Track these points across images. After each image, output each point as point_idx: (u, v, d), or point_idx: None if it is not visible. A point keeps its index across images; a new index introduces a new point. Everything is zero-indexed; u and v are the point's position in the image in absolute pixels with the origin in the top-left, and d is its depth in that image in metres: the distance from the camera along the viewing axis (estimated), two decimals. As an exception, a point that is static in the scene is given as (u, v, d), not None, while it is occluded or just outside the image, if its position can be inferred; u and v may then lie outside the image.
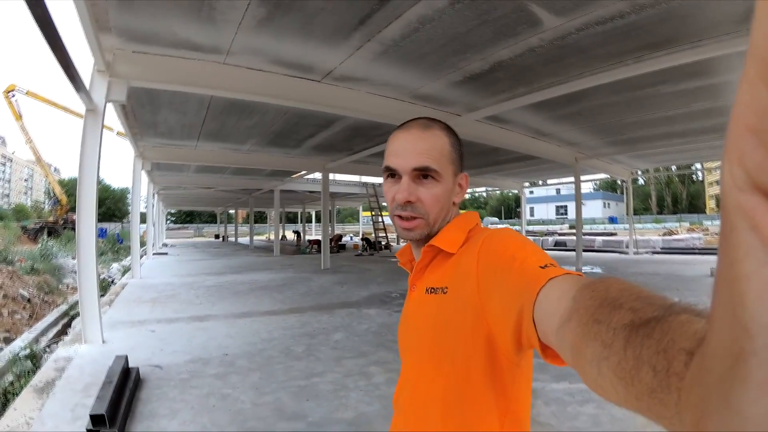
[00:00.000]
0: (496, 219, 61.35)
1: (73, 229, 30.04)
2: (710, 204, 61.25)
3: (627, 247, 18.27)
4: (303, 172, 15.75)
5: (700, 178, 63.23)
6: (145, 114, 7.86)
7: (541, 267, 0.63)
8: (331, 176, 16.17)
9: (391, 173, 0.90)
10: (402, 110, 7.19)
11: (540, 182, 24.01)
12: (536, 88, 6.49)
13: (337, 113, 7.11)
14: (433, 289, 0.85)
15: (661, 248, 19.13)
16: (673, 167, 25.95)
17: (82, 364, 4.19)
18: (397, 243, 28.35)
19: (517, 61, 5.47)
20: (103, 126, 4.89)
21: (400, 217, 0.89)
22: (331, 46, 5.02)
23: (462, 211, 0.97)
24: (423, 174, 0.87)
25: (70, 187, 48.06)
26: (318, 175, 16.28)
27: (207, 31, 4.61)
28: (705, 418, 0.22)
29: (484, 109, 7.46)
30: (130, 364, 3.92)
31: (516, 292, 0.64)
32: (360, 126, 8.93)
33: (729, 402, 0.20)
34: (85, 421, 2.86)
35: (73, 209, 35.73)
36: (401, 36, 4.78)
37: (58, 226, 32.64)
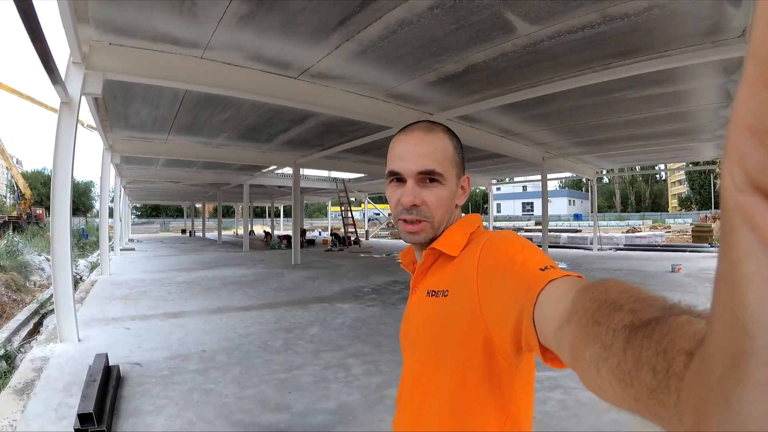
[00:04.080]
0: (462, 214, 61.90)
1: (38, 224, 28.72)
2: (672, 203, 63.65)
3: (591, 243, 18.80)
4: (273, 167, 15.66)
5: (663, 178, 65.57)
6: (117, 106, 7.68)
7: (541, 269, 0.63)
8: (301, 171, 16.11)
9: (395, 177, 0.90)
10: (376, 108, 7.30)
11: (507, 180, 24.42)
12: (508, 90, 6.69)
13: (312, 110, 7.14)
14: (434, 292, 0.86)
15: (624, 245, 19.70)
16: (638, 167, 26.83)
17: (60, 364, 4.15)
18: (366, 239, 28.44)
19: (491, 64, 5.64)
20: (78, 119, 4.81)
21: (404, 221, 0.89)
22: (311, 44, 5.07)
23: (464, 214, 0.98)
24: (428, 177, 0.87)
25: (34, 181, 46.00)
26: (287, 170, 16.16)
27: (187, 26, 4.58)
28: (705, 419, 0.22)
29: (456, 108, 7.63)
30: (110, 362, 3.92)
31: (516, 295, 0.64)
32: (333, 122, 8.97)
33: (729, 402, 0.20)
34: (71, 421, 2.87)
35: (36, 203, 34.24)
36: (380, 37, 4.87)
37: (22, 220, 31.09)
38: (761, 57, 0.18)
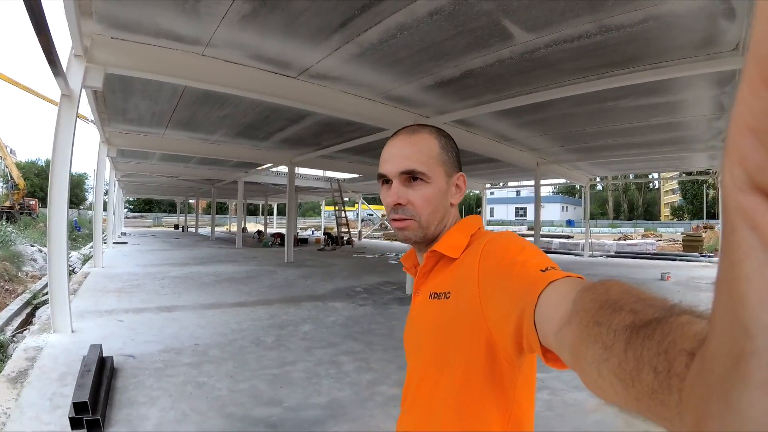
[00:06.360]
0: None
1: (30, 214, 28.39)
2: (665, 212, 64.06)
3: (583, 249, 18.89)
4: (269, 165, 15.70)
5: (657, 187, 65.98)
6: (116, 100, 7.70)
7: (542, 270, 0.64)
8: (297, 170, 16.12)
9: (384, 179, 0.94)
10: (374, 110, 7.35)
11: (501, 184, 24.62)
12: (504, 96, 6.77)
13: (309, 109, 7.19)
14: (436, 294, 0.86)
15: (616, 252, 19.84)
16: (631, 175, 27.02)
17: (54, 354, 4.18)
18: (359, 239, 28.47)
19: (488, 70, 5.71)
20: (77, 112, 4.84)
21: (394, 219, 0.92)
22: (311, 45, 5.12)
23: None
24: (411, 177, 0.89)
25: (28, 171, 45.58)
26: (283, 168, 16.17)
27: (190, 23, 4.62)
28: (706, 419, 0.22)
29: (453, 112, 7.70)
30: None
31: (517, 296, 0.64)
32: (330, 122, 9.00)
33: (729, 402, 0.20)
34: (65, 410, 2.91)
35: (30, 194, 33.95)
36: (379, 40, 4.93)
37: (15, 210, 30.90)
38: (761, 57, 0.18)
